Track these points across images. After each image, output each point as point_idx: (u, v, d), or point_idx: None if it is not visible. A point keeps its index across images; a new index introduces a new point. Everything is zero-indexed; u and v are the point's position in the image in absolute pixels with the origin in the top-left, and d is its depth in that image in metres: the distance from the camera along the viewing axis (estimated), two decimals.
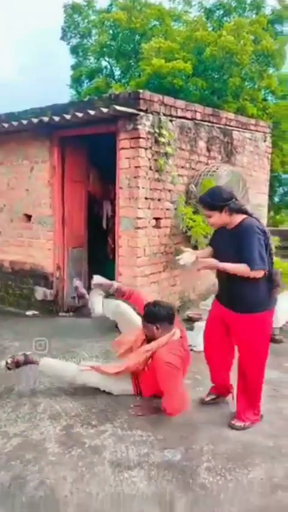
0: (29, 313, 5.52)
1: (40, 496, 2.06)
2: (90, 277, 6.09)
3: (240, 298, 2.63)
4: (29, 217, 5.54)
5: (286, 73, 13.99)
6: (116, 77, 17.04)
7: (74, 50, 17.74)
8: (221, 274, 2.73)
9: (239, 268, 2.53)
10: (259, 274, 2.52)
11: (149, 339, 2.91)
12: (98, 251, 6.32)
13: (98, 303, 3.20)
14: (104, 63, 17.54)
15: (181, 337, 2.88)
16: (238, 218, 2.61)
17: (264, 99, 13.75)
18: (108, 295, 3.26)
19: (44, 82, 31.85)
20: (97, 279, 3.24)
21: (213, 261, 2.64)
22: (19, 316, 5.48)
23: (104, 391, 3.08)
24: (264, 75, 12.96)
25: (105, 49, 16.36)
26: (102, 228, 6.52)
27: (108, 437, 2.59)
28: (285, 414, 2.93)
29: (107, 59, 17.23)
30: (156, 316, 2.84)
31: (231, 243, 2.60)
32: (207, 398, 3.08)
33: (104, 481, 2.19)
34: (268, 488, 2.17)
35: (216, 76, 13.25)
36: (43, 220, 5.35)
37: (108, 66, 17.55)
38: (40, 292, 5.54)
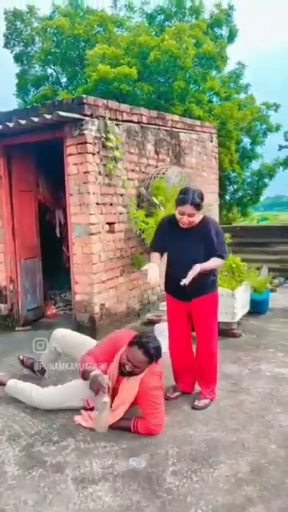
0: None
1: None
2: (45, 289, 6.01)
3: (201, 284, 2.86)
4: None
5: (228, 75, 14.41)
6: (63, 84, 16.85)
7: (18, 58, 17.34)
8: (177, 269, 2.87)
9: (218, 263, 2.90)
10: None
11: (131, 373, 2.66)
12: (54, 261, 6.19)
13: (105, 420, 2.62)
14: (49, 71, 17.27)
15: None
16: (200, 215, 2.89)
17: (210, 101, 14.08)
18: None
19: None
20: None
21: (196, 268, 2.77)
22: None
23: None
24: (207, 77, 13.25)
25: (50, 56, 16.12)
26: (56, 236, 6.39)
27: (70, 452, 2.50)
28: (246, 407, 2.97)
29: (52, 66, 16.98)
30: (159, 353, 2.68)
31: (199, 240, 2.83)
32: (173, 395, 3.10)
33: (67, 499, 2.11)
34: (233, 484, 2.17)
35: (161, 80, 13.42)
36: None
37: (54, 74, 17.31)
38: None
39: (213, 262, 2.86)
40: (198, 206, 2.78)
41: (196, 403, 2.99)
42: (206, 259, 2.84)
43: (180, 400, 3.09)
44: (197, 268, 2.76)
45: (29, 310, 5.43)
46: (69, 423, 2.82)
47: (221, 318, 4.42)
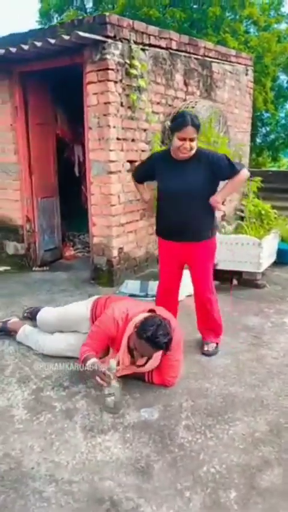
0: (1, 269, 5.22)
1: (4, 470, 1.89)
2: (63, 230, 5.84)
3: (201, 228, 2.73)
4: None
5: (268, 1, 12.98)
6: (88, 10, 15.63)
7: None
8: (175, 209, 2.69)
9: (241, 180, 2.69)
10: (247, 172, 2.71)
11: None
12: (73, 201, 5.95)
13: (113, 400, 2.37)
14: None
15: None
16: None
17: (246, 32, 12.84)
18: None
19: (12, 20, 29.29)
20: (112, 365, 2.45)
21: (217, 198, 2.64)
22: None
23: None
24: (246, 3, 11.98)
25: None
26: (75, 175, 6.10)
27: (80, 398, 2.42)
28: (267, 362, 2.80)
29: None
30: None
31: (200, 171, 2.62)
32: (207, 347, 2.96)
33: (74, 448, 2.03)
34: (250, 444, 2.04)
35: (194, 6, 12.23)
36: (8, 169, 4.91)
37: None
38: (11, 247, 5.22)
39: (235, 182, 2.66)
40: (198, 128, 2.55)
41: (206, 348, 2.91)
42: (211, 191, 2.67)
43: (197, 351, 2.94)
44: (217, 199, 2.64)
45: (46, 250, 5.31)
46: (81, 369, 2.71)
47: (245, 267, 4.21)
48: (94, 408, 2.32)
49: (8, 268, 5.20)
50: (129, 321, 2.39)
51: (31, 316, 3.27)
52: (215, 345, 2.94)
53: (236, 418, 2.23)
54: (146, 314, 2.39)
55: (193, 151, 2.59)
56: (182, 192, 2.64)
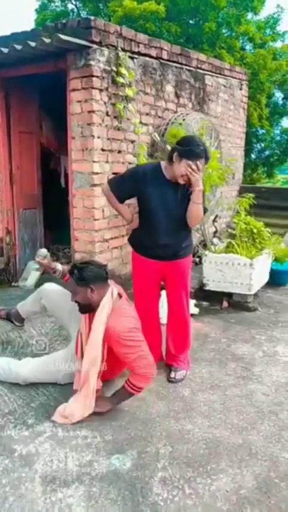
0: None
1: None
2: (47, 243, 5.56)
3: (182, 245, 2.61)
4: None
5: (264, 20, 13.03)
6: None
7: None
8: (157, 227, 2.52)
9: (197, 216, 2.49)
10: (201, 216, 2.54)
11: (85, 308, 2.33)
12: (58, 213, 5.69)
13: (33, 276, 2.65)
14: (70, 6, 16.06)
15: (119, 294, 2.37)
16: None
17: (242, 48, 12.83)
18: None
19: (7, 28, 29.37)
20: (43, 251, 2.65)
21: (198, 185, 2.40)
22: None
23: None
24: (241, 20, 11.98)
25: None
26: (61, 186, 5.85)
27: (45, 441, 2.12)
28: (257, 400, 2.52)
29: (73, 1, 15.77)
30: (88, 275, 2.25)
31: (184, 195, 2.45)
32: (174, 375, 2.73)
33: (30, 505, 1.73)
34: (235, 505, 1.75)
35: (191, 21, 12.22)
36: None
37: (75, 10, 16.08)
38: None
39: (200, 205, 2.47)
40: (208, 161, 2.42)
41: (173, 375, 2.70)
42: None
43: (181, 385, 2.66)
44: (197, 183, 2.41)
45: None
46: (49, 403, 2.43)
47: (236, 289, 3.95)
48: (59, 453, 2.03)
49: None
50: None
51: (6, 317, 3.03)
52: (184, 372, 2.75)
53: (219, 469, 1.95)
54: None
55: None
56: (169, 212, 2.49)
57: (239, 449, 2.08)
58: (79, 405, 2.25)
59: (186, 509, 1.72)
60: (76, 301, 2.32)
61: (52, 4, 16.67)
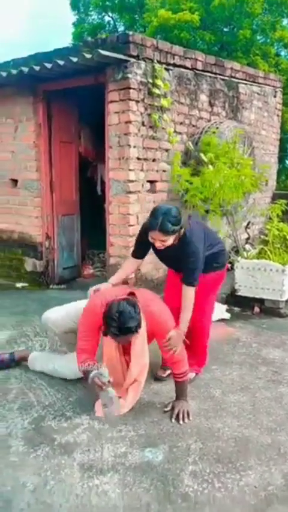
0: (18, 285, 5.19)
1: None
2: (83, 248, 5.78)
3: (186, 274, 2.53)
4: (15, 182, 5.10)
5: None
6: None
7: (75, 5, 16.61)
8: (166, 260, 2.70)
9: (187, 298, 2.47)
10: (192, 293, 2.50)
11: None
12: (94, 220, 5.91)
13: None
14: (107, 19, 16.50)
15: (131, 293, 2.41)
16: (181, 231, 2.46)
17: (277, 54, 12.77)
18: None
19: (46, 42, 30.41)
20: (94, 287, 2.61)
21: (180, 334, 2.41)
22: (9, 288, 5.16)
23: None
24: (277, 26, 11.95)
25: (107, 3, 15.30)
26: (97, 194, 6.06)
27: (82, 432, 2.26)
28: (286, 403, 2.56)
29: (110, 14, 16.19)
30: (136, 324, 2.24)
31: (180, 255, 2.48)
32: (165, 374, 2.79)
33: (70, 488, 1.87)
34: (262, 500, 1.82)
35: (225, 29, 12.30)
36: (29, 185, 4.92)
37: (112, 22, 16.51)
38: (29, 263, 5.19)
39: (188, 314, 2.46)
40: (168, 233, 2.34)
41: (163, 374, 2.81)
42: None
43: (211, 386, 2.74)
44: (181, 335, 2.42)
45: (65, 268, 5.25)
46: (86, 398, 2.57)
47: (268, 295, 3.99)
48: (95, 444, 2.16)
49: (26, 284, 5.16)
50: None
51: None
52: (194, 374, 2.78)
53: (248, 466, 2.02)
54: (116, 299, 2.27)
55: (169, 245, 2.42)
56: (172, 263, 2.71)
57: (268, 449, 2.14)
58: (127, 401, 2.42)
59: (216, 501, 1.81)
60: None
61: (89, 17, 17.16)
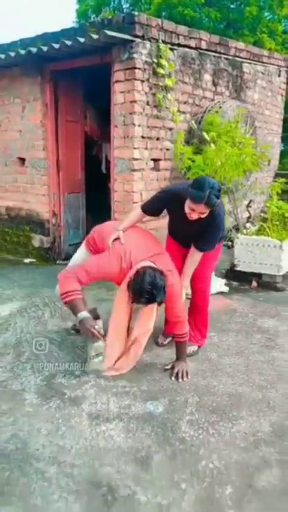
0: (26, 260, 5.40)
1: (11, 449, 1.98)
2: (89, 225, 5.95)
3: (206, 242, 2.68)
4: (22, 160, 5.26)
5: None
6: (125, 10, 15.77)
7: None
8: (179, 235, 2.83)
9: (195, 264, 2.71)
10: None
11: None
12: (99, 197, 6.06)
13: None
14: None
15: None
16: None
17: (285, 32, 12.60)
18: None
19: (50, 20, 29.90)
20: (113, 236, 2.60)
21: (181, 284, 2.65)
22: (17, 264, 5.37)
23: None
24: (284, 3, 11.75)
25: None
26: (102, 172, 6.20)
27: (90, 388, 2.48)
28: (278, 365, 2.78)
29: None
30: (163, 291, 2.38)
31: (203, 226, 2.55)
32: (166, 342, 3.01)
33: (79, 433, 2.10)
34: (251, 443, 2.05)
35: (231, 6, 12.11)
36: (37, 164, 5.07)
37: None
38: (37, 240, 5.38)
39: (192, 268, 2.70)
40: (212, 206, 2.38)
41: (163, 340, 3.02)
42: None
43: (208, 349, 2.96)
44: (181, 283, 2.66)
45: (70, 245, 5.43)
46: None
47: (265, 269, 4.17)
48: (102, 397, 2.39)
49: (34, 260, 5.37)
50: (133, 267, 2.40)
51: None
52: (196, 347, 2.92)
53: (240, 416, 2.24)
54: (144, 263, 2.39)
55: (205, 215, 2.46)
56: (185, 232, 2.73)
57: (259, 403, 2.36)
58: (129, 360, 2.63)
59: (210, 444, 2.04)
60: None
61: None
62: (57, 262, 5.26)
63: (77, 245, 5.50)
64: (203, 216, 2.42)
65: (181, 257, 2.84)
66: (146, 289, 2.27)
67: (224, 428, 2.15)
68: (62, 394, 2.42)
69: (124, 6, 15.91)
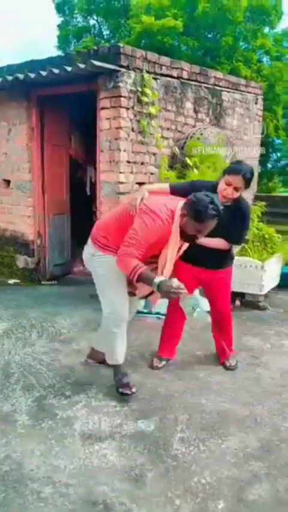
0: (11, 281, 5.39)
1: (5, 470, 1.99)
2: (73, 246, 6.01)
3: (220, 258, 2.88)
4: (8, 182, 5.31)
5: (281, 32, 13.39)
6: (105, 37, 16.25)
7: (60, 8, 16.75)
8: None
9: (220, 244, 2.78)
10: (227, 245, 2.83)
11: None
12: (83, 219, 6.14)
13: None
14: (92, 22, 16.68)
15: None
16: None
17: (259, 61, 13.21)
18: None
19: (31, 44, 30.42)
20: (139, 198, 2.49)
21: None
22: (1, 284, 5.35)
23: None
24: (258, 34, 12.38)
25: (92, 6, 15.52)
26: (87, 194, 6.31)
27: (81, 408, 2.52)
28: (263, 382, 2.88)
29: (95, 17, 16.39)
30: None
31: (227, 219, 2.54)
32: (161, 365, 3.04)
33: (73, 453, 2.13)
34: (241, 459, 2.12)
35: (208, 35, 12.67)
36: (22, 186, 5.13)
37: (97, 25, 16.71)
38: (21, 260, 5.40)
39: (217, 242, 2.73)
40: (248, 181, 2.63)
41: (228, 364, 3.08)
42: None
43: (196, 368, 3.03)
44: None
45: (55, 265, 5.47)
46: (83, 380, 2.83)
47: (248, 289, 4.30)
48: (93, 417, 2.42)
49: (18, 281, 5.37)
50: (175, 216, 2.38)
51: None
52: (235, 360, 3.13)
53: (229, 433, 2.31)
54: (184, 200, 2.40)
55: (233, 199, 2.67)
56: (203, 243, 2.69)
57: (246, 419, 2.44)
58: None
59: (201, 461, 2.09)
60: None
61: (74, 20, 17.29)
62: (42, 282, 5.28)
63: (61, 265, 5.58)
64: (234, 195, 2.62)
65: (193, 279, 2.87)
66: (207, 204, 2.27)
67: (214, 444, 2.22)
68: (53, 414, 2.45)
69: (104, 33, 16.39)
